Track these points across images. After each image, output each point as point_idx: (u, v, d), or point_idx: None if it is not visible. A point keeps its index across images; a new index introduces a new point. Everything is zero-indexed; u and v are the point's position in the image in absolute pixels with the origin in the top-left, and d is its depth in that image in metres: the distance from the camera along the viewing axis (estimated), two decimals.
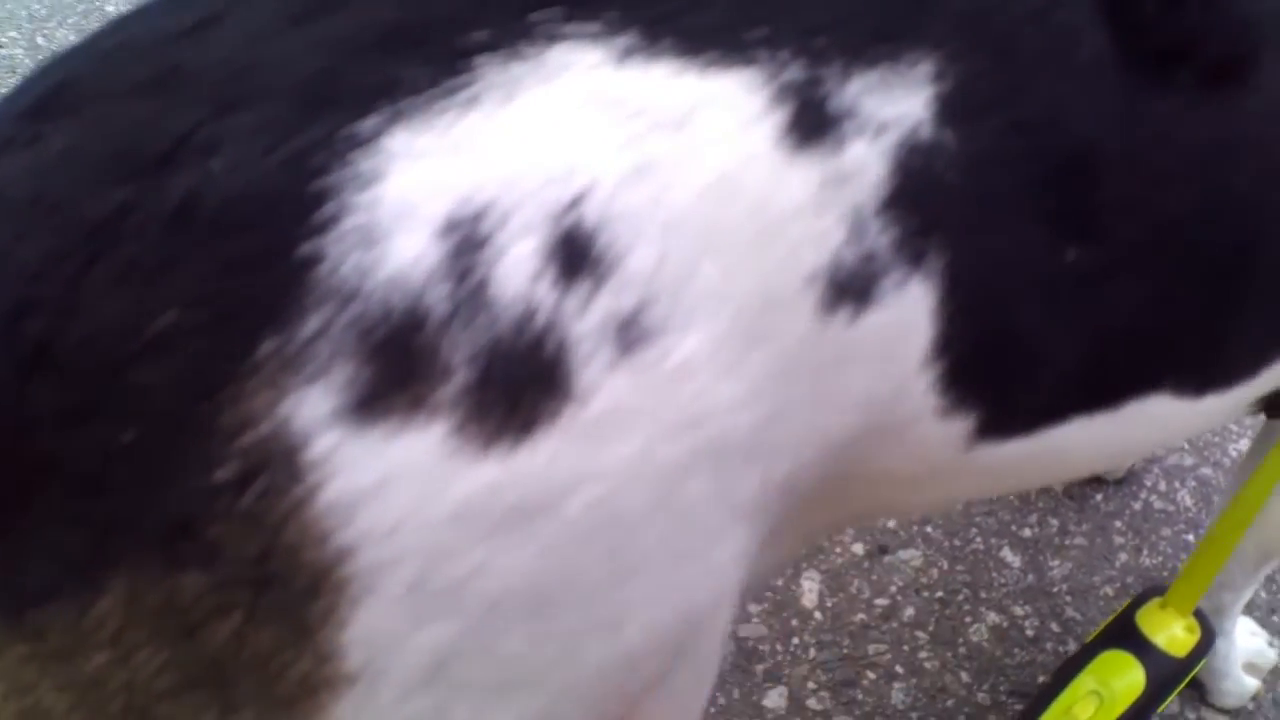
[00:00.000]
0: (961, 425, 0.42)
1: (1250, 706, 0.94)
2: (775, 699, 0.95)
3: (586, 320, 0.29)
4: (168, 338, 0.26)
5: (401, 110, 0.28)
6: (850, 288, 0.34)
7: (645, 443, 0.30)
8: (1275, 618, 1.02)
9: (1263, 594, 1.04)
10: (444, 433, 0.27)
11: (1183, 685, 0.78)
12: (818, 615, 1.02)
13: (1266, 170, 0.43)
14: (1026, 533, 1.10)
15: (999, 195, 0.37)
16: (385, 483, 0.27)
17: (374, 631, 0.28)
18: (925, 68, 0.35)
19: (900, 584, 1.04)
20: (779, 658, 0.98)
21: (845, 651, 0.99)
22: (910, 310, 0.36)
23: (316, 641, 0.28)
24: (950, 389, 0.40)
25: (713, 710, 0.94)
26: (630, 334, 0.29)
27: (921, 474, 0.44)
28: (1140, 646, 0.74)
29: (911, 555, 1.07)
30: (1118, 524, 1.10)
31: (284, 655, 0.28)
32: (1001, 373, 0.42)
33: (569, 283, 0.28)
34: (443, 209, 0.27)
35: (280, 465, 0.26)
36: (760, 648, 0.99)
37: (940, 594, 1.04)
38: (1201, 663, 0.80)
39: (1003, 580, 1.05)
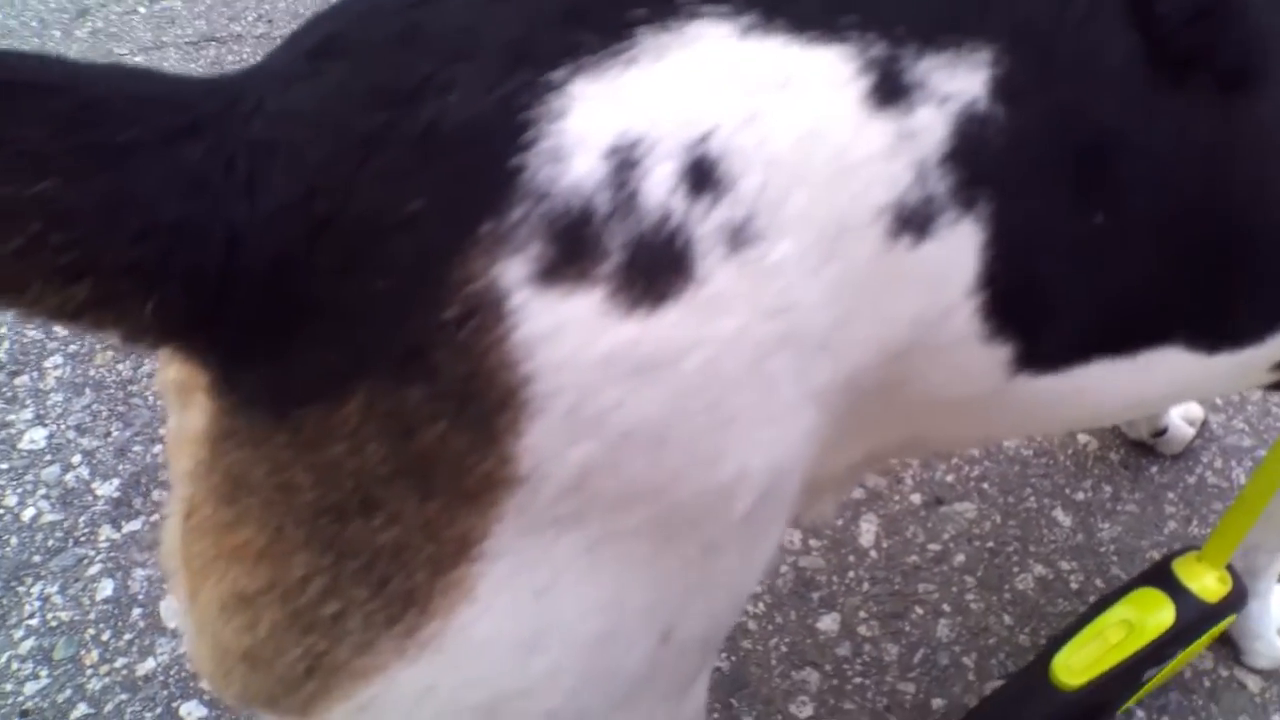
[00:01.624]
0: (1000, 353, 0.49)
1: None
2: (828, 623, 1.04)
3: (707, 224, 0.38)
4: (417, 216, 0.36)
5: (581, 65, 0.38)
6: (912, 221, 0.42)
7: (745, 320, 0.39)
8: None
9: None
10: (601, 297, 0.37)
11: (1212, 635, 0.84)
12: (873, 554, 1.10)
13: (1267, 166, 0.50)
14: (1080, 496, 1.16)
15: (1037, 163, 0.45)
16: (558, 329, 0.36)
17: (541, 443, 0.37)
18: (984, 55, 0.43)
19: (953, 533, 1.12)
20: (834, 588, 1.07)
21: (896, 588, 1.07)
22: (960, 245, 0.44)
23: (500, 445, 0.37)
24: (990, 318, 0.47)
25: (770, 628, 1.04)
26: (739, 237, 0.38)
27: (967, 399, 0.51)
28: (1173, 588, 0.80)
29: (966, 508, 1.14)
30: (1170, 495, 1.16)
31: (474, 455, 0.37)
32: (1033, 311, 0.49)
33: (696, 196, 0.38)
34: (609, 138, 0.37)
35: (489, 310, 0.36)
36: (818, 578, 1.08)
37: (991, 544, 1.11)
38: (1231, 617, 0.86)
39: (1052, 537, 1.12)
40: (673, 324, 0.38)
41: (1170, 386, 0.60)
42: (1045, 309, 0.50)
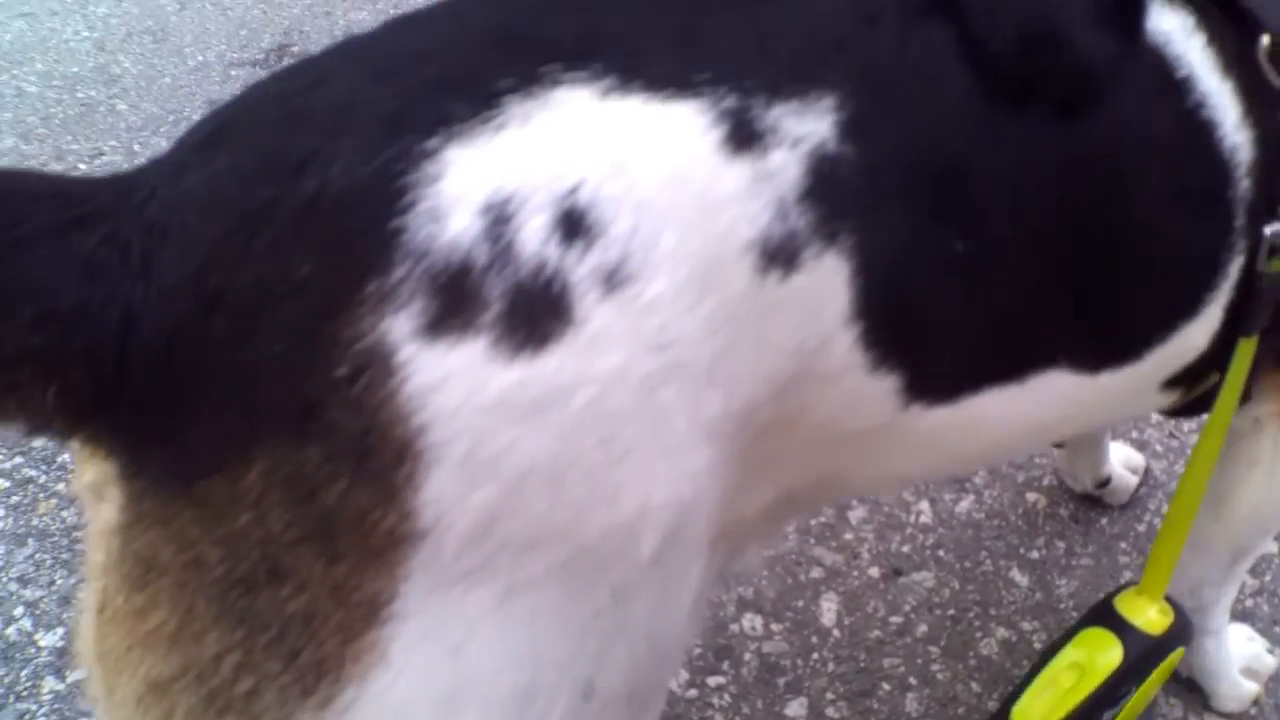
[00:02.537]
0: (887, 383, 0.51)
1: (1252, 711, 0.98)
2: (796, 709, 1.02)
3: (582, 268, 0.40)
4: (305, 281, 0.38)
5: (454, 132, 0.40)
6: (779, 255, 0.45)
7: (627, 357, 0.41)
8: (1277, 629, 1.06)
9: (1265, 606, 1.09)
10: (486, 344, 0.38)
11: (1163, 670, 0.84)
12: (836, 633, 1.09)
13: (1107, 184, 0.53)
14: (1034, 554, 1.16)
15: (892, 195, 0.48)
16: (447, 378, 0.38)
17: (441, 493, 0.38)
18: (829, 101, 0.46)
19: (914, 603, 1.11)
20: (799, 671, 1.06)
21: (862, 665, 1.06)
22: (828, 276, 0.46)
23: (401, 499, 0.38)
24: (872, 346, 0.49)
25: (737, 718, 1.01)
26: (614, 278, 0.41)
27: (864, 432, 0.53)
28: (1117, 624, 0.80)
29: (924, 577, 1.14)
30: (1123, 545, 1.16)
31: (376, 512, 0.38)
32: (912, 337, 0.51)
33: (569, 244, 0.40)
34: (482, 197, 0.39)
35: (379, 365, 0.37)
36: (782, 662, 1.07)
37: (952, 612, 1.10)
38: (1179, 650, 0.85)
39: (1011, 599, 1.12)
40: (557, 364, 0.39)
41: (1064, 410, 0.61)
42: (924, 336, 0.51)
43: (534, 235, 0.40)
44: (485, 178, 0.40)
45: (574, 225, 0.40)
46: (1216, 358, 0.65)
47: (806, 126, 0.46)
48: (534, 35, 0.44)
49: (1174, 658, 0.83)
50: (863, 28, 0.49)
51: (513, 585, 0.41)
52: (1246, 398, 0.71)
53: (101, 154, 2.04)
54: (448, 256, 0.38)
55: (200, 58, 2.32)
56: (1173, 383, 0.66)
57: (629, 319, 0.41)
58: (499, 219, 0.39)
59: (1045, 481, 1.24)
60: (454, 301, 0.38)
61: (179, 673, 0.40)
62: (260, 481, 0.38)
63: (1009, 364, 0.55)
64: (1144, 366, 0.60)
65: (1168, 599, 0.82)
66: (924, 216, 0.49)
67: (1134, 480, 1.20)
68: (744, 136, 0.44)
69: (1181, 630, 0.82)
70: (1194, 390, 0.70)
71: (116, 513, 0.40)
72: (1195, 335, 0.62)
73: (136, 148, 2.05)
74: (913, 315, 0.50)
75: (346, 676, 0.39)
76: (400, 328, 0.38)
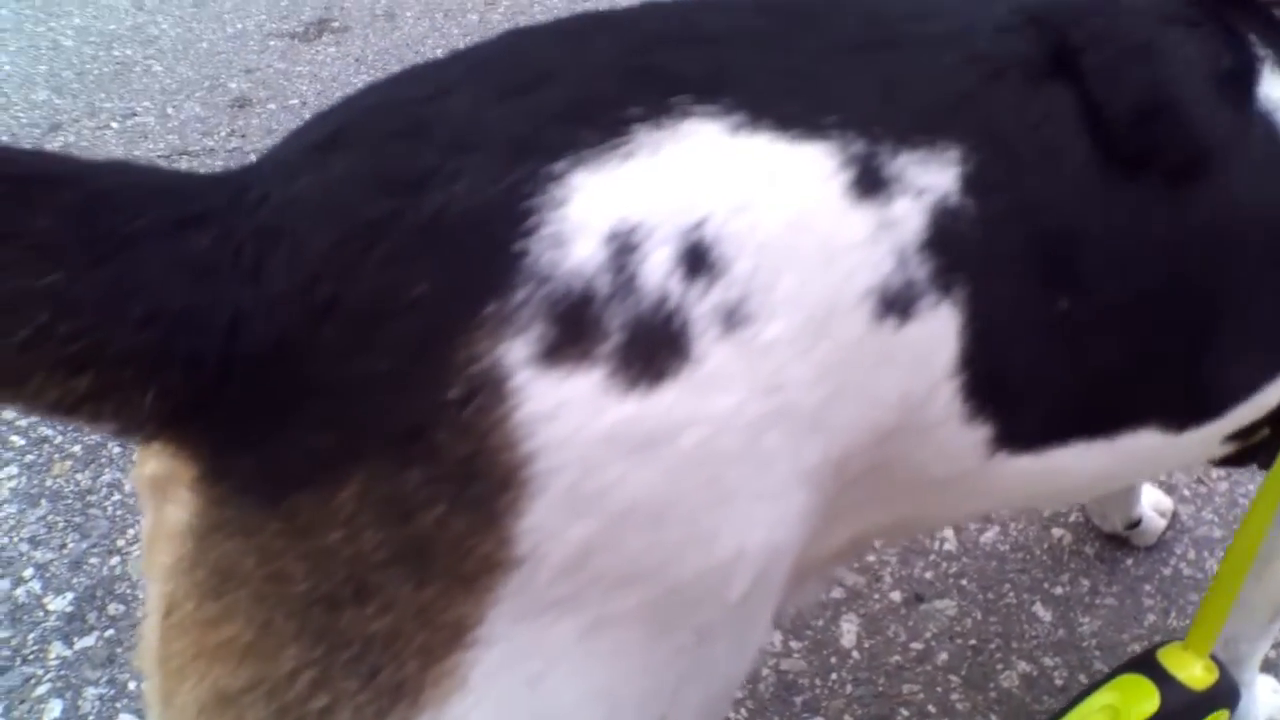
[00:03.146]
0: (980, 434, 0.50)
1: None
2: None
3: (703, 305, 0.39)
4: (421, 299, 0.37)
5: (581, 158, 0.39)
6: (896, 304, 0.44)
7: (740, 398, 0.40)
8: None
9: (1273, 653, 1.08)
10: (602, 376, 0.37)
11: None
12: (855, 655, 1.08)
13: (1214, 252, 0.52)
14: (1059, 590, 1.15)
15: (1005, 252, 0.47)
16: (560, 408, 0.37)
17: (541, 523, 0.37)
18: (954, 153, 0.46)
19: (935, 631, 1.10)
20: (817, 691, 1.05)
21: (880, 689, 1.05)
22: (941, 327, 0.46)
23: (500, 527, 0.37)
24: (971, 397, 0.48)
25: None
26: (733, 318, 0.40)
27: (949, 478, 0.52)
28: (1158, 674, 0.79)
29: (946, 605, 1.13)
30: (1147, 587, 1.15)
31: (473, 538, 0.37)
32: (1010, 392, 0.50)
33: (692, 279, 0.39)
34: (608, 225, 0.38)
35: (491, 390, 0.36)
36: (800, 681, 1.05)
37: (973, 642, 1.09)
38: (1223, 712, 0.84)
39: (1034, 633, 1.11)
40: (671, 401, 0.38)
41: (1140, 463, 0.61)
42: (1021, 391, 0.51)
43: (658, 268, 0.39)
44: (611, 205, 0.39)
45: (698, 261, 0.39)
46: (1273, 415, 0.65)
47: (931, 178, 0.45)
48: (661, 65, 0.43)
49: (1215, 718, 0.81)
50: (987, 84, 0.48)
51: (600, 620, 0.40)
52: None
53: (134, 114, 2.03)
54: (569, 283, 0.37)
55: (239, 25, 2.30)
56: (1233, 436, 0.66)
57: (745, 360, 0.40)
58: (624, 248, 0.38)
59: (1072, 518, 1.23)
60: (573, 330, 0.37)
61: (249, 686, 0.38)
62: (355, 500, 0.37)
63: (1101, 422, 0.55)
64: (1223, 423, 0.60)
65: (1214, 658, 0.81)
66: (1034, 274, 0.48)
67: (1162, 523, 1.19)
68: (870, 183, 0.43)
69: (1226, 692, 0.81)
70: (1248, 442, 0.70)
71: (190, 517, 0.39)
72: (1273, 394, 0.62)
73: (170, 110, 2.03)
74: (1013, 369, 0.49)
75: (425, 701, 0.38)
76: (517, 353, 0.37)
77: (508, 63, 0.44)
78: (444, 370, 0.36)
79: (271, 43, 2.20)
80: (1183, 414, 0.57)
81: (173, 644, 0.40)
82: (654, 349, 0.38)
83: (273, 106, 2.11)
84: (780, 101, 0.43)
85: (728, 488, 0.40)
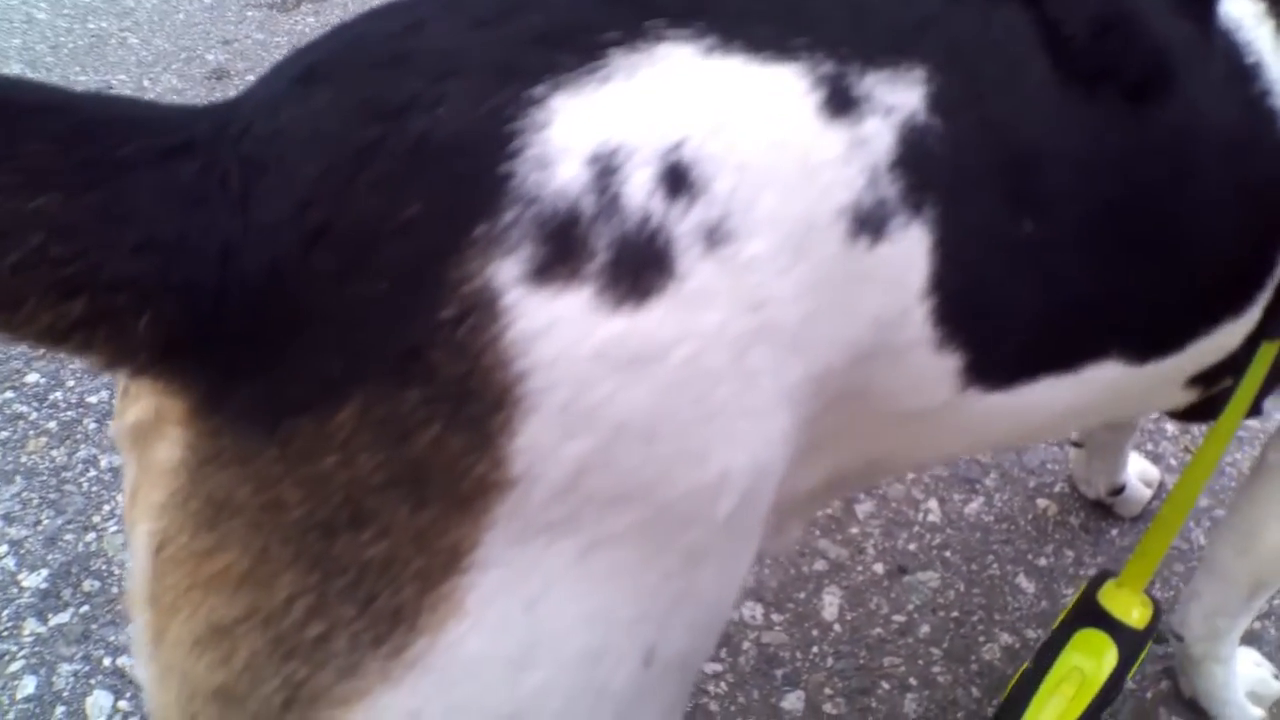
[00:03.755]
0: (952, 362, 0.50)
1: None
2: (793, 702, 1.01)
3: (685, 224, 0.39)
4: (412, 222, 0.37)
5: (560, 82, 0.40)
6: (869, 222, 0.44)
7: (725, 315, 0.40)
8: None
9: (1273, 630, 1.08)
10: (590, 294, 0.38)
11: (1144, 654, 0.84)
12: (837, 627, 1.07)
13: (1177, 170, 0.52)
14: (1042, 562, 1.14)
15: (972, 172, 0.47)
16: (550, 326, 0.37)
17: (535, 442, 0.37)
18: (919, 73, 0.46)
19: (917, 603, 1.10)
20: (798, 664, 1.04)
21: (862, 662, 1.04)
22: (912, 247, 0.46)
23: (494, 447, 0.37)
24: (942, 322, 0.48)
25: (732, 708, 1.00)
26: (715, 236, 0.40)
27: (922, 412, 0.52)
28: (1111, 625, 0.81)
29: (929, 577, 1.12)
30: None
31: (469, 458, 0.37)
32: (979, 317, 0.50)
33: (673, 199, 0.39)
34: (589, 147, 0.39)
35: (484, 308, 0.36)
36: (781, 654, 1.05)
37: (955, 614, 1.09)
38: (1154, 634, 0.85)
39: (1017, 605, 1.10)
40: (659, 318, 0.39)
41: (1105, 398, 0.61)
42: (990, 317, 0.51)
43: (639, 188, 0.39)
44: (592, 128, 0.39)
45: (678, 181, 0.40)
46: (1238, 360, 0.65)
47: (898, 96, 0.45)
48: None
49: (1150, 641, 0.84)
50: (949, 6, 0.49)
51: (595, 541, 0.40)
52: (1256, 411, 0.71)
53: (110, 87, 1.99)
54: (556, 204, 0.38)
55: None
56: (1195, 380, 0.66)
57: (728, 277, 0.40)
58: (606, 170, 0.39)
59: (1057, 488, 1.23)
60: (561, 249, 0.37)
61: (244, 615, 0.38)
62: (351, 422, 0.36)
63: (1067, 352, 0.55)
64: (1182, 359, 0.59)
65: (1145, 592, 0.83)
66: (998, 195, 0.48)
67: (1147, 493, 1.18)
68: (841, 102, 0.44)
69: (1159, 617, 0.83)
70: (1209, 391, 0.70)
71: (183, 450, 0.39)
72: (1234, 333, 0.62)
73: (146, 83, 2.00)
74: (982, 294, 0.49)
75: (421, 626, 0.38)
76: (508, 272, 0.37)
77: None
78: (438, 290, 0.36)
79: (249, 13, 2.16)
80: (1144, 345, 0.57)
81: (166, 579, 0.39)
82: (640, 267, 0.38)
83: (251, 78, 2.07)
84: (752, 25, 0.44)
85: (715, 405, 0.40)
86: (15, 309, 0.34)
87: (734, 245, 0.40)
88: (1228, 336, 0.62)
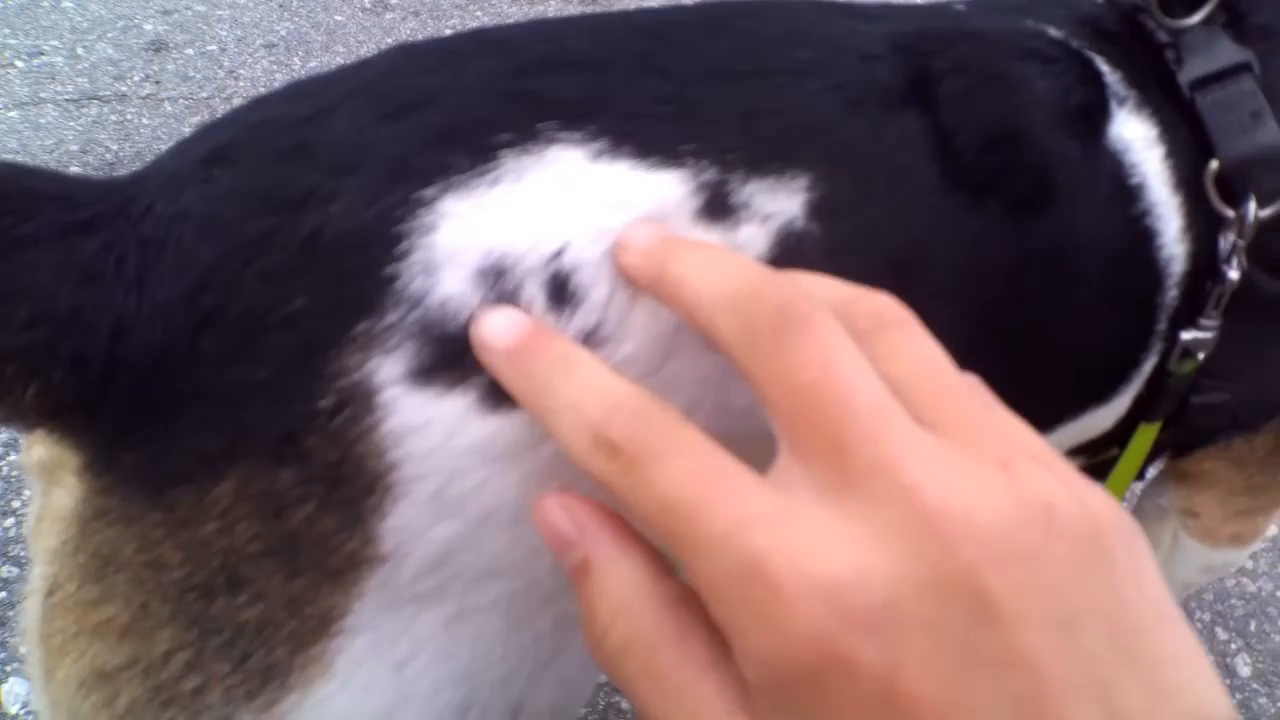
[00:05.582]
0: None
1: None
2: None
3: (565, 331, 0.41)
4: (297, 314, 0.38)
5: (451, 183, 0.41)
6: None
7: None
8: None
9: (1263, 698, 1.13)
10: (472, 400, 0.39)
11: None
12: None
13: (1051, 277, 0.55)
14: None
15: (849, 274, 0.48)
16: (427, 423, 0.39)
17: (405, 523, 0.39)
18: (802, 181, 0.48)
19: None
20: None
21: None
22: None
23: (365, 526, 0.39)
24: None
25: None
26: (590, 341, 0.42)
27: None
28: None
29: None
30: None
31: (340, 535, 0.39)
32: None
33: (556, 309, 0.41)
34: (475, 256, 0.40)
35: (361, 402, 0.38)
36: None
37: None
38: None
39: None
40: (531, 419, 0.40)
41: None
42: None
43: (524, 302, 0.41)
44: (478, 234, 0.40)
45: (559, 290, 0.41)
46: (1118, 436, 0.70)
47: (778, 204, 0.47)
48: (536, 90, 0.45)
49: None
50: (845, 112, 0.50)
51: (463, 610, 0.42)
52: (1140, 476, 0.76)
53: (42, 53, 1.95)
54: (441, 311, 0.39)
55: None
56: (1075, 452, 0.71)
57: None
58: (491, 280, 0.40)
59: None
60: (446, 356, 0.39)
61: (126, 664, 0.40)
62: (229, 495, 0.38)
63: None
64: (1053, 438, 0.64)
65: None
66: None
67: None
68: (717, 209, 0.45)
69: None
70: (1094, 459, 0.75)
71: (74, 503, 0.41)
72: (1104, 418, 0.66)
73: (80, 51, 1.96)
74: None
75: (292, 684, 0.40)
76: (387, 370, 0.39)
77: (390, 84, 0.45)
78: (316, 382, 0.38)
79: None
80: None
81: (55, 622, 0.41)
82: None
83: (190, 52, 2.04)
84: (645, 128, 0.45)
85: (581, 491, 0.43)
86: None
87: (606, 349, 0.42)
88: (1098, 420, 0.66)
